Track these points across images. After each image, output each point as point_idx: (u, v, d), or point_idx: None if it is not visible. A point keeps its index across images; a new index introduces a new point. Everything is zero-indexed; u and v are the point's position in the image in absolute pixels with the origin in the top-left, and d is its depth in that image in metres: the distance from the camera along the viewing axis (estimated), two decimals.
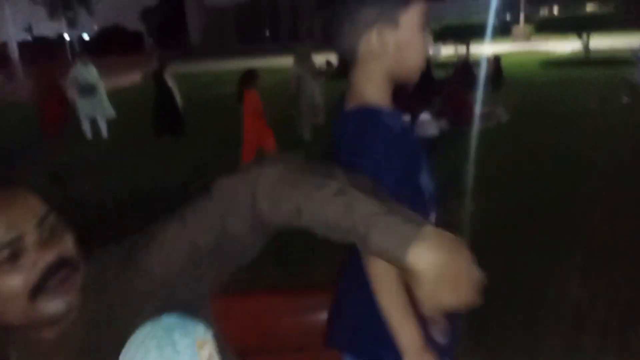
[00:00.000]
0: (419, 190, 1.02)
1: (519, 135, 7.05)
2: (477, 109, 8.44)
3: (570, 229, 3.88)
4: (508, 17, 37.50)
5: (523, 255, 3.52)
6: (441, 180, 4.54)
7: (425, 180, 1.06)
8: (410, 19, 0.96)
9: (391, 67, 0.99)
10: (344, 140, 0.98)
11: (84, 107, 8.72)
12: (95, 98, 8.69)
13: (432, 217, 1.08)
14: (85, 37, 67.58)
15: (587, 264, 3.30)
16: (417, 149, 1.05)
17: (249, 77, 6.10)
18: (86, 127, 8.85)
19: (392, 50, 0.96)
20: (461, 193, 4.69)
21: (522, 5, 35.32)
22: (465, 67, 10.95)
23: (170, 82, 7.94)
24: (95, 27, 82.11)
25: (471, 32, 19.92)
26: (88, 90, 8.60)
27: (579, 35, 18.49)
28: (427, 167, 1.09)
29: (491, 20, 19.88)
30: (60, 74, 9.34)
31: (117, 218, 4.89)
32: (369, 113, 0.98)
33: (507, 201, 4.55)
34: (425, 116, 7.59)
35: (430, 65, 9.10)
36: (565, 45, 22.81)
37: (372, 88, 1.01)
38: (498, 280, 3.20)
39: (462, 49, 20.15)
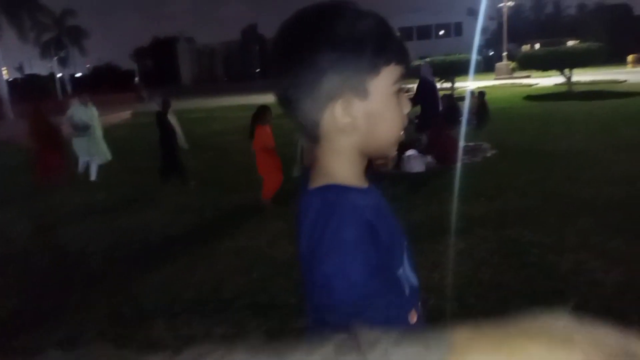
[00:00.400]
0: (397, 286, 0.84)
1: (505, 170, 7.18)
2: (462, 144, 8.63)
3: (558, 268, 3.94)
4: (491, 54, 38.51)
5: (509, 295, 3.59)
6: (428, 218, 4.58)
7: (406, 273, 0.89)
8: (383, 85, 0.82)
9: (362, 142, 0.85)
10: (305, 225, 0.81)
11: (79, 148, 8.72)
12: (92, 139, 8.68)
13: (414, 316, 0.90)
14: (78, 75, 68.20)
15: (578, 302, 3.38)
16: (394, 234, 0.88)
17: (261, 113, 6.29)
18: (82, 169, 8.82)
19: (361, 123, 0.82)
20: (446, 230, 4.78)
21: (504, 42, 36.37)
22: (450, 103, 11.18)
23: (174, 123, 7.91)
24: (88, 66, 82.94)
25: (455, 69, 20.37)
26: (84, 130, 8.59)
27: (561, 70, 19.03)
28: (409, 255, 0.92)
29: (474, 56, 20.33)
30: (52, 114, 9.28)
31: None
32: (335, 193, 0.83)
33: (494, 238, 4.64)
34: (411, 152, 7.74)
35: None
36: (548, 80, 23.40)
37: (339, 164, 0.86)
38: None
39: (446, 85, 20.63)
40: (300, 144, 6.88)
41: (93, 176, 8.78)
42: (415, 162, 7.61)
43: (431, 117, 8.55)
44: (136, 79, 64.35)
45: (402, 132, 0.88)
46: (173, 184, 7.63)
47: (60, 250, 5.33)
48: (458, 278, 3.79)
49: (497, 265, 4.02)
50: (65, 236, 5.83)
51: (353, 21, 0.80)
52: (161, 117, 7.73)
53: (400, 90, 0.86)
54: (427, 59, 19.57)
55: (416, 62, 16.19)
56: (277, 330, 3.24)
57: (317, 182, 0.87)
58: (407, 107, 0.88)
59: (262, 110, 6.30)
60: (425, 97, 8.74)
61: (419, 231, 4.73)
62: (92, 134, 8.75)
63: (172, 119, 7.85)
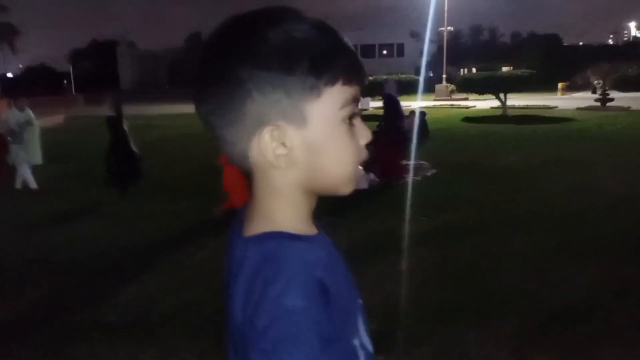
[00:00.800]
0: (352, 356, 0.70)
1: (445, 189, 7.28)
2: (405, 162, 8.71)
3: (497, 287, 3.95)
4: (430, 75, 39.87)
5: (450, 316, 3.55)
6: (370, 236, 4.49)
7: (362, 340, 0.75)
8: (326, 110, 0.66)
9: (304, 178, 0.69)
10: (238, 284, 0.65)
11: (16, 154, 8.05)
12: (29, 144, 8.08)
13: None
14: (9, 75, 64.63)
15: (517, 322, 3.37)
16: (349, 293, 0.73)
17: None
18: (28, 175, 8.14)
19: (299, 156, 0.66)
20: (392, 248, 4.73)
21: (444, 65, 37.70)
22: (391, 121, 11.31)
23: (126, 128, 7.49)
24: (21, 66, 78.87)
25: (398, 88, 20.81)
26: (21, 135, 7.98)
27: (496, 94, 19.85)
28: (364, 315, 0.77)
29: (421, 76, 20.98)
30: None
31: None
32: (277, 244, 0.66)
33: (434, 257, 4.63)
34: None
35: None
36: (485, 103, 24.36)
37: (280, 206, 0.70)
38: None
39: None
40: None
41: (32, 183, 8.12)
42: (359, 179, 7.57)
43: (394, 133, 8.57)
44: (64, 81, 61.51)
45: (358, 166, 0.71)
46: (111, 193, 7.21)
47: None
48: (399, 299, 3.72)
49: (437, 285, 3.99)
50: None
51: (286, 31, 0.64)
52: (114, 121, 7.34)
53: (353, 116, 0.68)
54: (371, 77, 19.91)
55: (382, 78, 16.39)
56: (210, 354, 3.03)
57: (254, 227, 0.70)
58: (365, 136, 0.71)
59: None
60: (390, 114, 8.80)
61: (361, 250, 4.66)
62: (29, 138, 8.11)
63: (125, 124, 7.50)
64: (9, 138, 8.01)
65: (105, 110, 7.61)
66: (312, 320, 0.59)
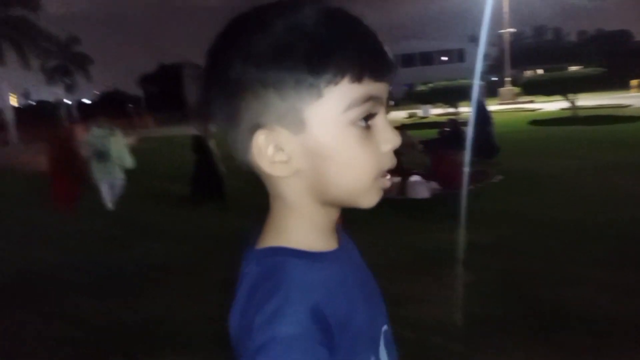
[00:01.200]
0: None
1: (511, 196, 7.03)
2: (467, 169, 8.48)
3: (564, 302, 3.76)
4: (494, 79, 38.80)
5: (512, 330, 3.40)
6: (433, 246, 4.39)
7: (379, 356, 0.68)
8: (329, 112, 0.58)
9: (313, 187, 0.62)
10: (237, 299, 0.61)
11: (99, 172, 8.15)
12: (110, 163, 8.11)
13: None
14: (86, 101, 68.79)
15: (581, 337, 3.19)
16: (365, 319, 0.65)
17: None
18: (105, 193, 8.27)
19: (301, 163, 0.60)
20: (452, 259, 4.61)
21: (506, 68, 36.57)
22: (453, 127, 11.08)
23: (213, 147, 7.58)
24: (96, 92, 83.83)
25: (459, 94, 20.44)
26: (103, 154, 8.04)
27: (565, 95, 19.00)
28: (388, 342, 0.70)
29: (477, 81, 20.45)
30: (69, 138, 8.78)
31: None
32: (278, 262, 0.61)
33: (498, 269, 4.46)
34: (415, 178, 7.62)
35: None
36: (553, 104, 23.38)
37: (291, 218, 0.64)
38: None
39: (451, 110, 20.66)
40: None
41: (109, 203, 8.22)
42: (420, 187, 7.47)
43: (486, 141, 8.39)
44: (134, 104, 64.46)
45: (383, 175, 0.62)
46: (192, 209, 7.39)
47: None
48: (459, 312, 3.60)
49: (501, 299, 3.82)
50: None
51: (285, 24, 0.56)
52: (201, 141, 7.48)
53: (370, 117, 0.60)
54: (431, 84, 19.66)
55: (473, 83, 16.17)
56: None
57: (265, 239, 0.65)
58: (388, 141, 0.61)
59: None
60: (478, 119, 8.68)
61: (420, 260, 4.57)
62: (112, 158, 8.11)
63: (211, 142, 7.59)
64: (95, 157, 8.07)
65: (179, 130, 7.83)
66: (300, 349, 0.54)
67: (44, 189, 8.35)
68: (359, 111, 0.58)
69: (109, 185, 8.28)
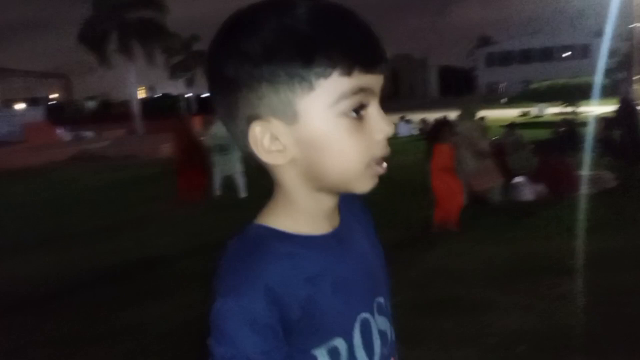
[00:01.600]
0: None
1: (623, 203, 6.38)
2: (581, 173, 7.84)
3: None
4: (620, 77, 35.40)
5: (614, 350, 3.09)
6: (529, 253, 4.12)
7: (357, 356, 0.68)
8: (320, 104, 0.61)
9: (307, 175, 0.65)
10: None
11: (221, 165, 8.45)
12: (232, 156, 8.28)
13: None
14: (204, 95, 73.12)
15: None
16: (335, 304, 0.67)
17: (439, 129, 5.42)
18: (217, 184, 8.59)
19: (295, 152, 0.63)
20: (553, 268, 4.30)
21: (634, 65, 33.16)
22: (568, 128, 10.34)
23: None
24: None
25: (580, 92, 18.99)
26: (227, 148, 8.19)
27: None
28: (367, 330, 0.70)
29: (600, 80, 18.87)
30: (193, 130, 9.18)
31: None
32: (250, 239, 0.66)
33: (603, 283, 4.07)
34: (520, 179, 7.22)
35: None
36: None
37: (284, 202, 0.68)
38: None
39: (569, 109, 19.25)
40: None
41: (242, 192, 8.39)
42: (524, 189, 7.05)
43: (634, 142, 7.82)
44: None
45: (377, 163, 0.65)
46: None
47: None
48: (556, 325, 3.35)
49: (601, 314, 3.46)
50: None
51: (278, 20, 0.59)
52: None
53: (362, 107, 0.62)
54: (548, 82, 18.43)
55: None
56: None
57: (257, 218, 0.70)
58: (381, 130, 0.64)
59: (441, 125, 5.60)
60: (624, 120, 8.10)
61: (518, 266, 4.32)
62: (235, 150, 8.02)
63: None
64: (217, 150, 8.31)
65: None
66: (243, 321, 0.59)
67: (171, 178, 8.68)
68: (349, 103, 0.61)
69: (234, 175, 8.45)
